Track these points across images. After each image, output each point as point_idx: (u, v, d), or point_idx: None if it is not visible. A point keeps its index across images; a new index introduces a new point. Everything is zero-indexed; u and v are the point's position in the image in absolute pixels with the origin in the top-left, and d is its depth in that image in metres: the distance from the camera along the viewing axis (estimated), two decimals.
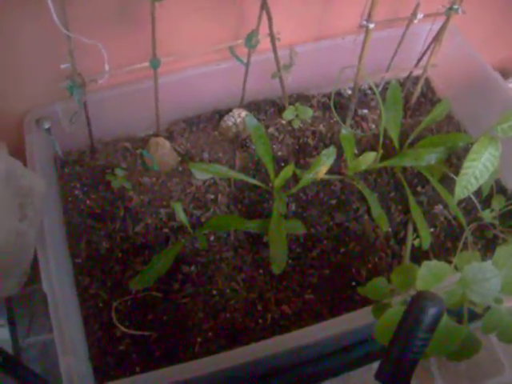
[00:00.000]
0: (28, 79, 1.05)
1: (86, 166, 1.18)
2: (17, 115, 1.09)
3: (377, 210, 1.13)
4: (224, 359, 0.84)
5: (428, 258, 1.09)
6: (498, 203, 1.16)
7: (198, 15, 1.07)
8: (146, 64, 1.02)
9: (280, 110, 1.30)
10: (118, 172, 1.14)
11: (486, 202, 1.18)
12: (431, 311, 0.56)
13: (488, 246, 1.14)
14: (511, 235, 1.12)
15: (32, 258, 0.91)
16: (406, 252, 1.09)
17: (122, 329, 0.99)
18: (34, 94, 1.08)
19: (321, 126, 1.28)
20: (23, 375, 0.81)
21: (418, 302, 0.58)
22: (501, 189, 1.22)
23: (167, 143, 1.19)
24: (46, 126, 1.06)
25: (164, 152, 1.17)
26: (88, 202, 1.13)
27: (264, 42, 1.09)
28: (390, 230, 1.13)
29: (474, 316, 0.75)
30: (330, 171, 1.14)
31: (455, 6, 1.07)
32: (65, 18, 0.83)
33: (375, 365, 1.06)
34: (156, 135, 1.22)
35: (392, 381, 0.57)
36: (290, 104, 1.27)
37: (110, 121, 1.18)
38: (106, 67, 0.95)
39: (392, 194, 1.20)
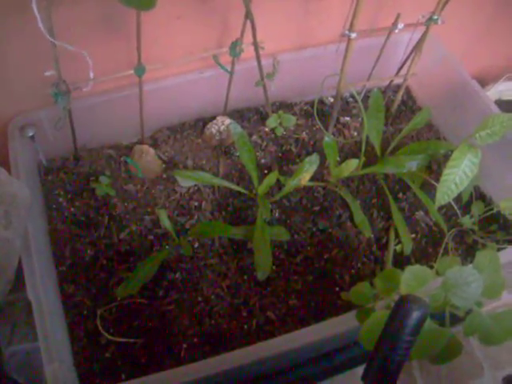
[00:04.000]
0: (12, 86, 1.05)
1: (70, 174, 1.17)
2: (0, 122, 1.08)
3: (359, 217, 1.14)
4: (209, 365, 0.84)
5: (410, 263, 1.11)
6: (477, 209, 1.18)
7: (181, 23, 1.08)
8: (131, 72, 1.02)
9: (263, 117, 1.31)
10: (103, 179, 1.13)
11: (466, 208, 1.20)
12: (416, 314, 0.57)
13: (468, 251, 1.16)
14: (490, 240, 1.14)
15: (16, 266, 0.90)
16: (388, 257, 1.11)
17: (107, 336, 0.99)
18: (18, 101, 1.08)
19: (304, 133, 1.30)
20: None
21: (403, 305, 0.59)
22: (480, 195, 1.24)
23: (151, 150, 1.20)
24: (30, 133, 1.06)
25: (148, 159, 1.18)
26: (72, 209, 1.13)
27: (248, 51, 1.10)
28: (372, 236, 1.15)
29: (455, 319, 0.76)
30: (313, 178, 1.15)
31: (435, 17, 1.10)
32: (50, 25, 0.84)
33: (359, 370, 1.07)
34: (140, 142, 1.22)
35: (378, 383, 0.58)
36: (273, 112, 1.28)
37: (95, 128, 1.18)
38: (91, 75, 0.95)
39: (374, 201, 1.21)
